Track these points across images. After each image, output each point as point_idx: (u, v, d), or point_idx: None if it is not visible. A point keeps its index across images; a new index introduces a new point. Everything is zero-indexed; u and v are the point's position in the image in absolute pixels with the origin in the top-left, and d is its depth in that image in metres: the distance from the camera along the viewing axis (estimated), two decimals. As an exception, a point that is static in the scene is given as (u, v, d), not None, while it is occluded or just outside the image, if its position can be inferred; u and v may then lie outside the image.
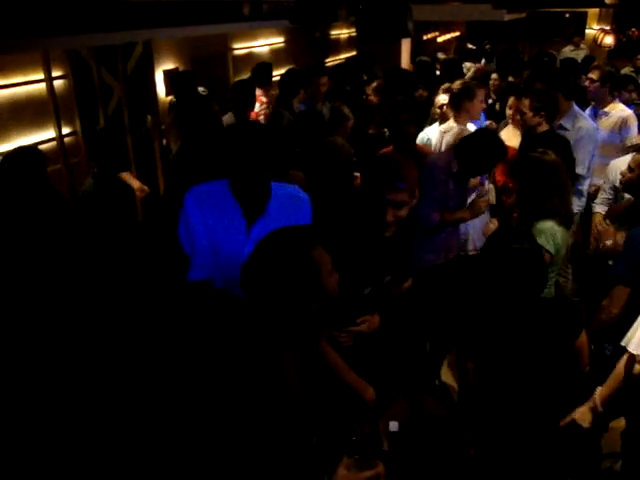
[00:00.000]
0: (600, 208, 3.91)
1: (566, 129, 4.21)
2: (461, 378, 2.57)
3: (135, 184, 4.12)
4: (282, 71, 5.99)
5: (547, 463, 2.35)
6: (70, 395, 2.09)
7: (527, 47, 12.06)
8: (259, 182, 2.24)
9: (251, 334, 1.49)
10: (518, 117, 4.11)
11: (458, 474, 2.72)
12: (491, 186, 4.09)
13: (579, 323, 2.30)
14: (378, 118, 4.76)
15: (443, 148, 4.23)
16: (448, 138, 4.26)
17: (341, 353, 2.30)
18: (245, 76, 6.02)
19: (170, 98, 5.45)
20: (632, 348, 2.14)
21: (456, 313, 3.02)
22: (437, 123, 4.72)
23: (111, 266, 2.51)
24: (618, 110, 4.83)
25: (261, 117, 5.42)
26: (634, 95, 5.72)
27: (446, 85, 4.97)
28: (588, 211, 4.26)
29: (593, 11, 13.23)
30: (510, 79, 6.01)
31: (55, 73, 4.49)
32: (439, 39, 13.13)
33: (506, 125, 4.62)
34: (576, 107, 4.38)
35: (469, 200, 3.57)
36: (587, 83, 5.06)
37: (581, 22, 13.57)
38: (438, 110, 4.74)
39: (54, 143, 4.51)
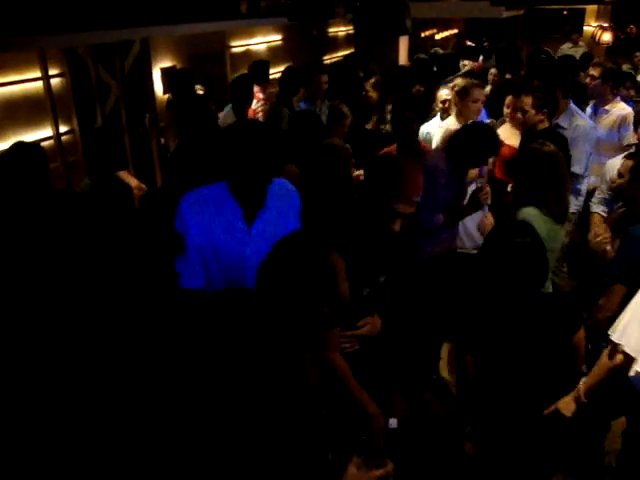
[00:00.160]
0: (598, 208, 3.88)
1: (563, 128, 4.20)
2: (460, 371, 2.57)
3: (133, 182, 4.11)
4: (280, 69, 5.98)
5: (544, 456, 2.36)
6: (70, 393, 2.08)
7: (525, 44, 12.03)
8: (261, 181, 2.23)
9: (270, 335, 1.49)
10: (519, 115, 4.06)
11: (455, 468, 2.72)
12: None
13: (578, 318, 2.31)
14: (377, 115, 4.76)
15: None
16: (441, 132, 4.28)
17: (345, 358, 2.28)
18: (243, 73, 6.00)
19: (168, 96, 5.44)
20: (615, 337, 2.15)
21: (455, 306, 3.02)
22: (437, 118, 4.72)
23: (110, 263, 2.50)
24: (618, 108, 4.82)
25: (259, 114, 5.41)
26: (632, 92, 5.73)
27: (457, 81, 4.99)
28: (587, 210, 4.24)
29: (591, 8, 13.23)
30: (508, 77, 6.00)
31: (52, 71, 4.47)
32: (437, 36, 13.12)
33: (503, 123, 4.61)
34: (573, 106, 4.37)
35: (469, 191, 3.58)
36: (588, 80, 5.04)
37: (579, 19, 13.56)
38: (440, 105, 4.73)
39: (51, 141, 4.50)
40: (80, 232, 2.53)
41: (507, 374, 2.30)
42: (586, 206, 4.25)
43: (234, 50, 6.88)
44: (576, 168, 4.05)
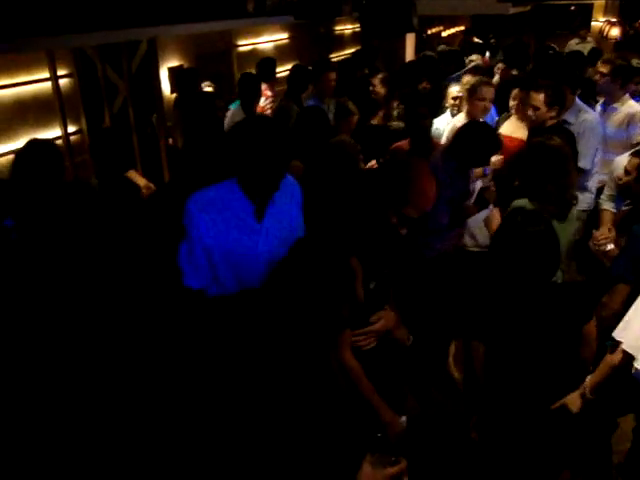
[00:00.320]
0: (607, 205, 3.85)
1: (570, 123, 4.17)
2: (467, 358, 2.55)
3: (141, 182, 4.12)
4: (287, 67, 5.99)
5: (551, 449, 2.36)
6: (74, 390, 2.09)
7: (532, 40, 11.98)
8: (275, 175, 2.24)
9: (289, 336, 1.49)
10: (530, 112, 4.00)
11: (463, 463, 2.72)
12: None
13: (589, 309, 2.30)
14: (384, 110, 4.76)
15: None
16: (449, 128, 4.28)
17: (360, 357, 2.28)
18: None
19: (175, 95, 5.46)
20: (616, 334, 2.17)
21: (466, 297, 3.00)
22: (448, 114, 4.72)
23: (118, 258, 2.51)
24: (628, 106, 4.78)
25: (267, 111, 5.43)
26: (640, 87, 5.67)
27: (467, 78, 4.97)
28: (597, 207, 4.20)
29: (599, 3, 13.14)
30: (514, 72, 5.98)
31: (60, 72, 4.50)
32: (444, 33, 13.08)
33: (508, 118, 4.58)
34: (579, 101, 4.34)
35: (475, 189, 3.56)
36: (597, 77, 4.99)
37: (587, 14, 13.48)
38: (452, 101, 4.72)
39: (60, 141, 4.52)
40: (94, 226, 2.54)
41: (516, 361, 2.29)
42: (597, 204, 4.22)
43: (241, 49, 6.89)
44: (582, 163, 3.99)
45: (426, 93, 5.25)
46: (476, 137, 3.31)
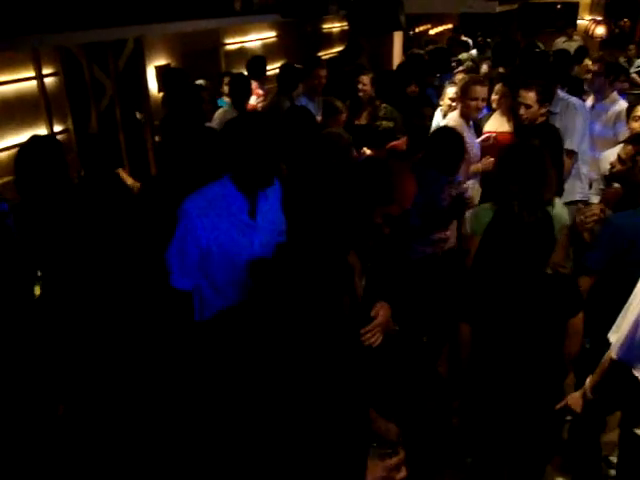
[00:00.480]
0: (596, 199, 3.90)
1: (555, 113, 4.20)
2: (455, 341, 2.54)
3: (128, 181, 4.10)
4: (275, 65, 5.99)
5: (536, 437, 2.37)
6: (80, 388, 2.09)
7: (520, 38, 12.04)
8: (269, 170, 2.27)
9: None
10: (522, 110, 3.96)
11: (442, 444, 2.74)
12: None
13: (577, 303, 2.30)
14: (369, 110, 4.76)
15: None
16: None
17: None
18: (237, 71, 6.00)
19: (162, 94, 5.44)
20: (609, 336, 2.17)
21: (456, 286, 3.00)
22: (439, 115, 4.72)
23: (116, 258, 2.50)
24: (615, 103, 4.82)
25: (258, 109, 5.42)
26: (626, 85, 5.74)
27: (460, 76, 4.98)
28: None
29: (585, 2, 13.26)
30: (501, 70, 6.01)
31: (46, 70, 4.46)
32: (431, 31, 13.11)
33: (490, 116, 4.58)
34: (561, 92, 4.35)
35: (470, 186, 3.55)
36: (589, 76, 5.01)
37: (573, 13, 13.58)
38: (448, 101, 4.72)
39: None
40: (98, 223, 2.53)
41: (500, 346, 2.30)
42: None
43: (228, 47, 6.87)
44: (568, 143, 3.97)
45: (415, 96, 5.25)
46: (442, 144, 3.32)
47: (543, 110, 3.91)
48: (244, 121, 2.29)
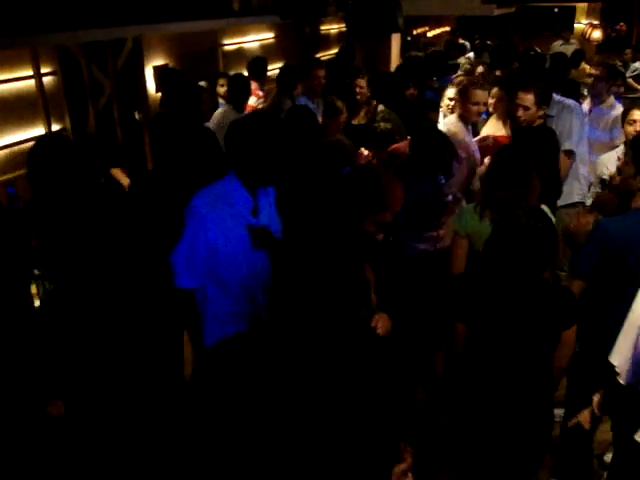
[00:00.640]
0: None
1: (552, 116, 4.23)
2: (450, 341, 2.55)
3: (124, 181, 4.11)
4: (273, 66, 6.00)
5: (524, 439, 2.38)
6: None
7: (517, 41, 12.09)
8: (274, 168, 2.30)
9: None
10: (520, 112, 3.98)
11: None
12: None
13: (572, 316, 2.31)
14: (366, 110, 4.78)
15: None
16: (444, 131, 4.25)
17: None
18: (235, 72, 6.01)
19: (161, 95, 5.45)
20: (612, 359, 2.13)
21: (450, 285, 3.01)
22: (441, 116, 4.73)
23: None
24: (612, 108, 4.85)
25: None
26: (622, 89, 5.77)
27: (459, 79, 4.99)
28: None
29: (582, 5, 13.31)
30: (497, 73, 6.04)
31: (44, 69, 4.46)
32: (429, 34, 13.16)
33: (486, 120, 4.60)
34: (556, 95, 4.38)
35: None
36: (589, 80, 5.03)
37: (570, 16, 13.65)
38: (448, 102, 4.73)
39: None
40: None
41: (495, 348, 2.31)
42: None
43: (226, 48, 6.87)
44: (567, 144, 4.05)
45: (414, 99, 5.27)
46: (421, 146, 3.34)
47: (541, 112, 3.94)
48: (251, 120, 2.33)
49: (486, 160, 3.90)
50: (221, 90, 5.49)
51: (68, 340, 2.05)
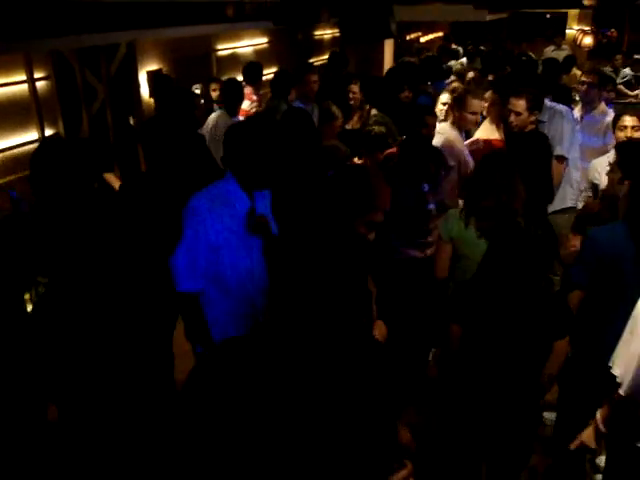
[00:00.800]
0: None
1: (543, 122, 4.26)
2: (445, 341, 2.56)
3: (117, 185, 4.11)
4: (267, 71, 6.01)
5: (510, 440, 2.39)
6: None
7: (510, 47, 12.18)
8: (273, 172, 2.33)
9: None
10: (512, 117, 3.97)
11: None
12: None
13: (566, 326, 2.32)
14: (359, 114, 4.80)
15: None
16: (439, 139, 4.19)
17: None
18: (229, 76, 6.03)
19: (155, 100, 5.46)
20: (614, 371, 2.10)
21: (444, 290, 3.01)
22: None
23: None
24: (605, 114, 4.88)
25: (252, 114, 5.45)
26: (612, 94, 5.82)
27: (453, 85, 5.00)
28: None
29: (573, 12, 13.42)
30: (490, 78, 6.08)
31: (37, 74, 4.46)
32: (422, 39, 13.22)
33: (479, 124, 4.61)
34: (547, 101, 4.41)
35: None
36: (582, 87, 5.05)
37: (562, 22, 13.76)
38: (442, 107, 4.74)
39: (37, 145, 4.47)
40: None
41: (488, 352, 2.32)
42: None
43: (220, 53, 6.89)
44: (559, 149, 4.10)
45: (409, 102, 5.29)
46: (412, 153, 3.36)
47: (532, 118, 3.97)
48: (249, 123, 2.39)
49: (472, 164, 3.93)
50: (214, 94, 5.51)
51: (62, 344, 2.05)
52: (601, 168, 3.51)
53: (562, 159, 4.15)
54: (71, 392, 2.09)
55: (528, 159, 3.85)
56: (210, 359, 1.51)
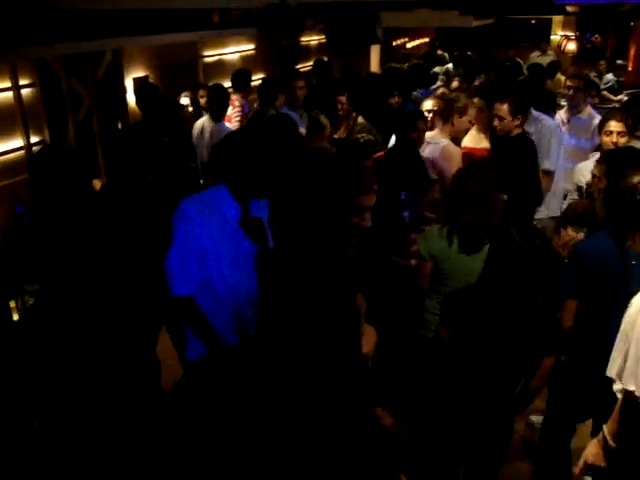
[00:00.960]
0: None
1: (530, 133, 4.29)
2: (434, 341, 2.55)
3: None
4: (253, 77, 6.02)
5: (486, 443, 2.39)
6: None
7: (496, 52, 12.28)
8: (266, 182, 2.33)
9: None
10: (496, 122, 4.02)
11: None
12: None
13: (556, 345, 2.32)
14: (346, 124, 4.81)
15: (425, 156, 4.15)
16: (431, 149, 4.21)
17: None
18: (215, 83, 6.03)
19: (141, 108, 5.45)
20: (616, 384, 2.05)
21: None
22: None
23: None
24: (592, 117, 4.93)
25: (235, 120, 5.45)
26: (596, 100, 5.88)
27: (440, 91, 5.02)
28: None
29: (558, 18, 13.55)
30: (476, 83, 6.13)
31: (22, 81, 4.43)
32: (408, 45, 13.29)
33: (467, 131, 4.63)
34: (534, 111, 4.46)
35: None
36: (568, 91, 5.10)
37: (547, 28, 13.90)
38: (426, 114, 4.74)
39: (22, 152, 4.45)
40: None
41: (476, 360, 2.31)
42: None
43: (207, 60, 6.90)
44: (546, 164, 4.13)
45: (399, 107, 5.30)
46: (393, 161, 3.36)
47: (517, 122, 4.00)
48: (240, 133, 2.40)
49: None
50: (202, 101, 5.51)
51: (51, 352, 2.03)
52: (587, 172, 3.53)
53: (549, 173, 4.18)
54: (54, 403, 2.07)
55: (514, 163, 3.89)
56: (197, 369, 1.51)
